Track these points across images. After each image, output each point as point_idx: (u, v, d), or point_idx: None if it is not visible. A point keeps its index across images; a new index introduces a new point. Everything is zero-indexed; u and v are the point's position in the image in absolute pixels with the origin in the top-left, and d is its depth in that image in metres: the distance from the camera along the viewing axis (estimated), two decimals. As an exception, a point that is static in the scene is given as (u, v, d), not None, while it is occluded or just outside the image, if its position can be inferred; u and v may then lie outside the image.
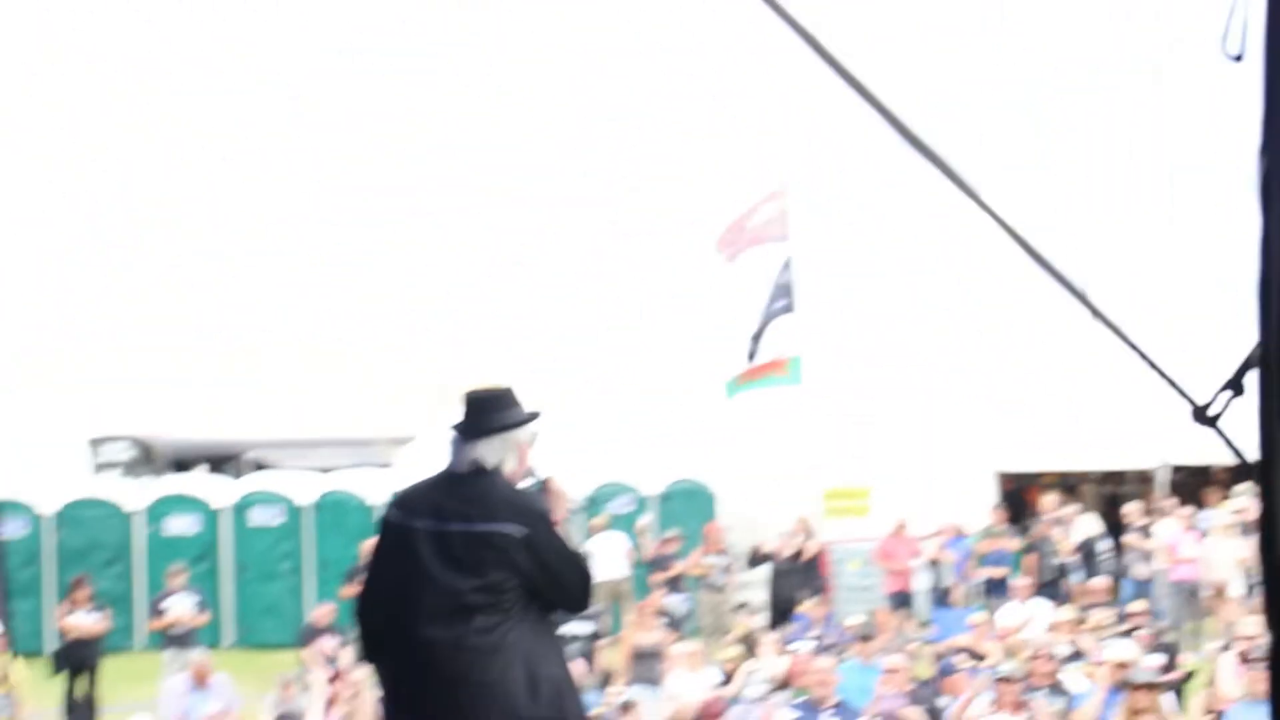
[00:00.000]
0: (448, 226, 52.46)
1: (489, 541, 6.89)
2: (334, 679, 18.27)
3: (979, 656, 19.55)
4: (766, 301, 28.19)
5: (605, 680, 21.57)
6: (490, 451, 7.12)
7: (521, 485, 7.24)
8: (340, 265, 44.16)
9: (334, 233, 51.06)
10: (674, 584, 27.21)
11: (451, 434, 7.25)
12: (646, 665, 21.25)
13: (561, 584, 6.99)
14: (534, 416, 7.26)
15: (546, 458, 7.71)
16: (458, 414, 7.31)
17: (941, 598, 27.84)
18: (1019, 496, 31.87)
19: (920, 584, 28.24)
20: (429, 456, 7.46)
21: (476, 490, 7.03)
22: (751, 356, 28.42)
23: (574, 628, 21.65)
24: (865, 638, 20.20)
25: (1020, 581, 25.14)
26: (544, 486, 7.30)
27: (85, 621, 23.39)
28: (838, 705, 16.36)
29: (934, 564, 28.21)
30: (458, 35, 53.90)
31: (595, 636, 22.14)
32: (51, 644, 28.22)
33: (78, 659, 22.99)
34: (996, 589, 27.14)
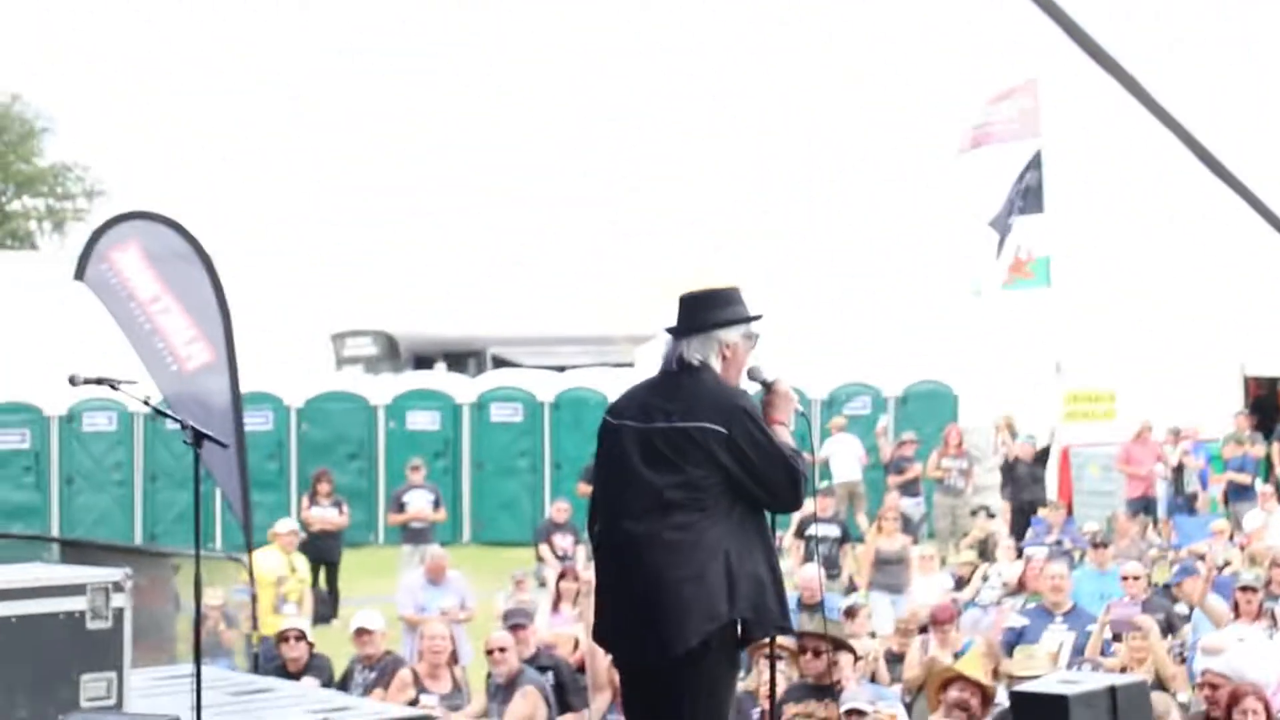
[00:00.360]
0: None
1: (690, 438, 6.90)
2: (567, 576, 18.25)
3: (1223, 565, 19.04)
4: (1012, 199, 27.57)
5: (850, 586, 21.39)
6: (696, 350, 7.12)
7: (743, 386, 7.22)
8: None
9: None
10: (910, 487, 26.88)
11: (668, 336, 7.30)
12: (888, 571, 21.02)
13: (766, 481, 6.94)
14: (748, 318, 7.18)
15: (781, 358, 7.58)
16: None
17: (1184, 504, 27.21)
18: (1267, 401, 31.05)
19: (1162, 490, 27.62)
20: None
21: (682, 388, 7.04)
22: (999, 254, 27.85)
23: (820, 529, 21.49)
24: (1103, 544, 19.77)
25: (1265, 488, 24.48)
26: (770, 387, 7.26)
27: (326, 515, 23.66)
28: (1070, 611, 16.01)
29: (1177, 470, 27.56)
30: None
31: (842, 539, 21.89)
32: (295, 537, 28.64)
33: (318, 552, 23.26)
34: (1240, 495, 26.47)
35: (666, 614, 6.82)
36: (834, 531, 22.02)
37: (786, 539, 21.89)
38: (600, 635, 7.33)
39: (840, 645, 12.86)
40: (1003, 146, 27.86)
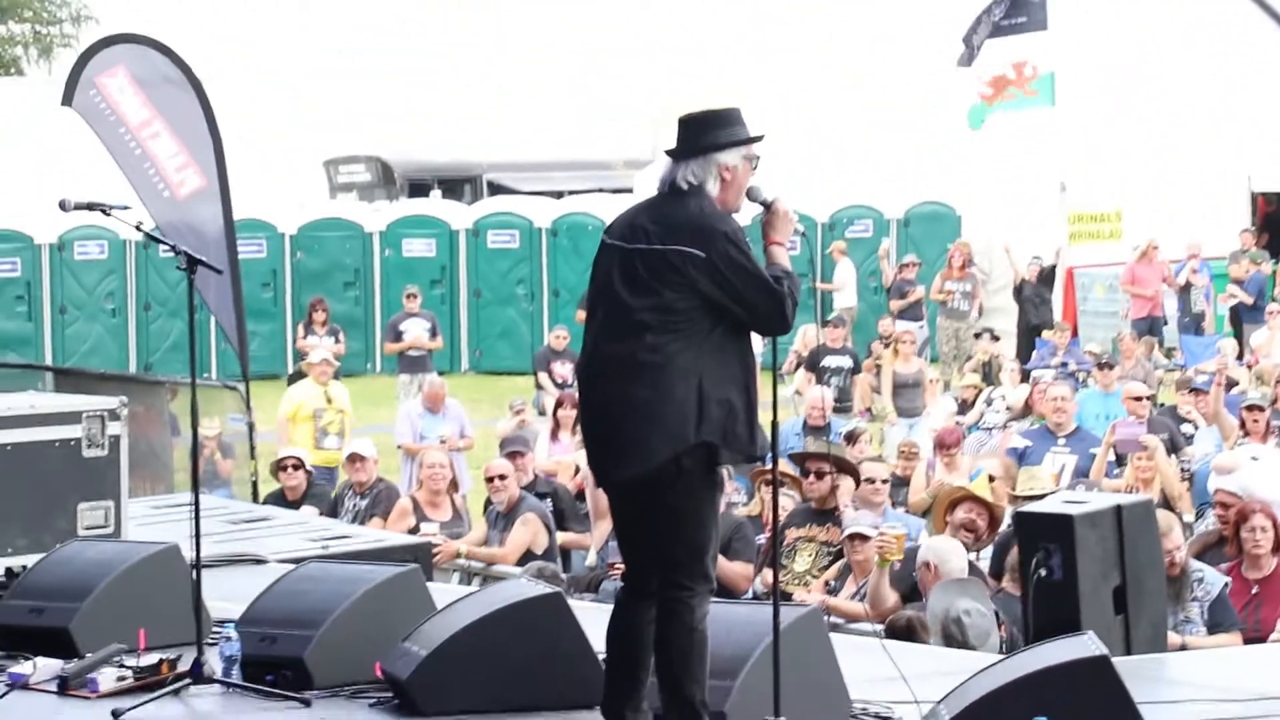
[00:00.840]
0: (443, 50, 51.83)
1: (667, 260, 6.87)
2: (565, 404, 18.15)
3: (1230, 384, 18.90)
4: (1001, 12, 26.99)
5: (870, 413, 21.31)
6: (693, 172, 7.04)
7: (739, 207, 7.12)
8: (333, 90, 43.96)
9: (327, 57, 50.74)
10: (913, 310, 26.68)
11: (666, 157, 7.23)
12: (905, 395, 21.01)
13: (748, 304, 6.91)
14: (748, 139, 7.11)
15: (783, 180, 7.48)
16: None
17: (1191, 324, 27.05)
18: (1275, 218, 30.83)
19: (1168, 309, 27.45)
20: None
21: (668, 211, 6.99)
22: (968, 63, 27.25)
23: (832, 360, 21.35)
24: (1108, 365, 19.63)
25: (1273, 306, 24.32)
26: (770, 207, 7.19)
27: (322, 344, 23.46)
28: (1073, 433, 15.92)
29: (1184, 289, 27.36)
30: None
31: (854, 370, 21.62)
32: (290, 366, 28.60)
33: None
34: (1249, 315, 26.31)
35: (631, 433, 6.85)
36: (846, 362, 21.71)
37: (798, 373, 21.74)
38: (590, 467, 7.37)
39: (844, 467, 12.74)
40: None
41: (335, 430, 19.13)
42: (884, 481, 12.98)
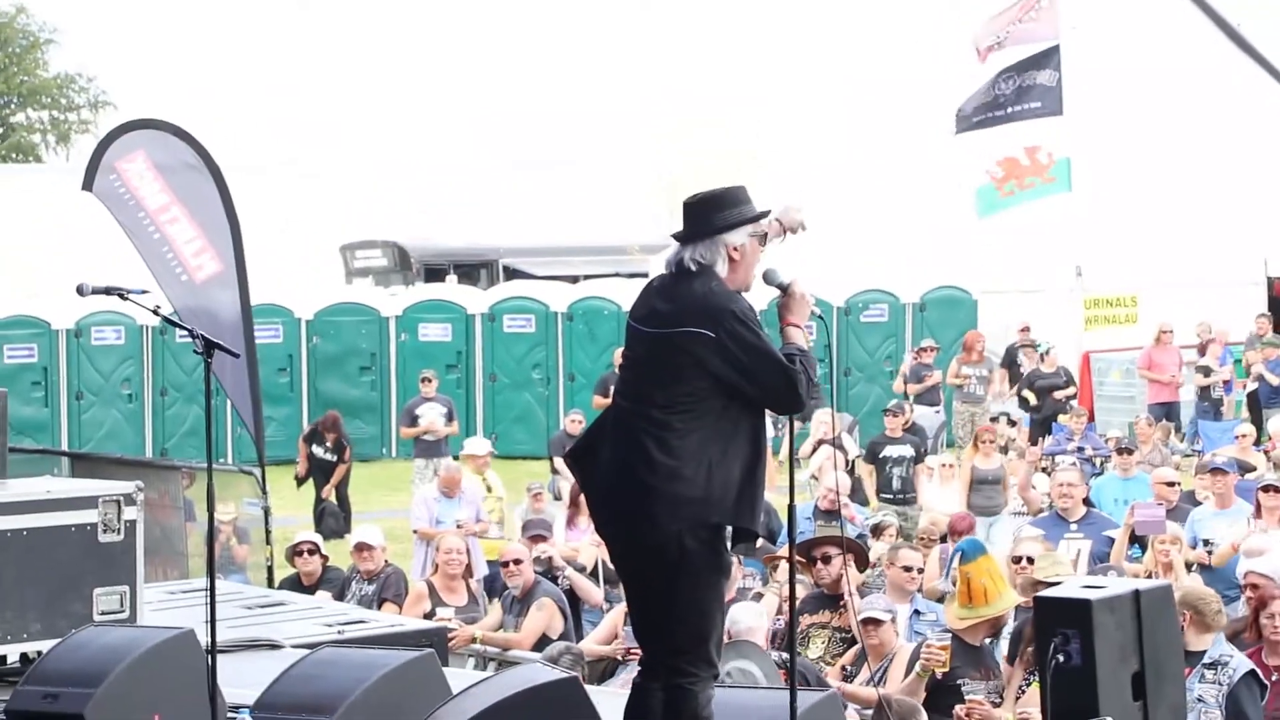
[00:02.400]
0: (458, 137, 52.13)
1: (676, 344, 6.92)
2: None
3: (1246, 469, 18.84)
4: (1008, 98, 27.04)
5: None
6: (700, 254, 7.09)
7: (750, 286, 7.18)
8: (350, 176, 44.19)
9: (344, 143, 51.01)
10: (929, 395, 26.62)
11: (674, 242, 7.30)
12: (983, 493, 19.67)
13: (759, 383, 6.93)
14: (753, 216, 7.15)
15: (799, 264, 7.49)
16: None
17: (1209, 410, 26.98)
18: (1290, 304, 30.80)
19: (1185, 395, 27.39)
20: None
21: (678, 292, 7.03)
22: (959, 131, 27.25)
23: (893, 450, 20.80)
24: (1126, 450, 19.56)
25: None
26: (787, 290, 7.24)
27: (325, 456, 23.25)
28: (1084, 518, 15.83)
29: (1204, 373, 27.30)
30: (473, 122, 53.58)
31: (917, 459, 20.91)
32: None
33: (327, 468, 23.07)
34: (1268, 400, 26.21)
35: (636, 506, 6.88)
36: (907, 451, 20.95)
37: (814, 456, 21.49)
38: (599, 530, 7.45)
39: (851, 547, 12.69)
40: (1018, 49, 27.46)
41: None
42: (919, 570, 12.88)
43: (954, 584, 12.08)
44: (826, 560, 12.33)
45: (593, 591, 14.88)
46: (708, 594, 6.94)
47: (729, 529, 6.98)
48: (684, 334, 6.88)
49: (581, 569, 15.59)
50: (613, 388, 7.38)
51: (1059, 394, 26.07)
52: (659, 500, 6.82)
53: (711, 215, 7.09)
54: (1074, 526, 15.75)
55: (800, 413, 7.17)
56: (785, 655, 10.32)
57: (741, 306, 6.96)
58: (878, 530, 15.97)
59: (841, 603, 12.08)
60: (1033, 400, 26.18)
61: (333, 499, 23.13)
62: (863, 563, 13.32)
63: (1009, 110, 26.88)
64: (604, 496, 7.12)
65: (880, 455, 20.79)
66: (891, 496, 20.37)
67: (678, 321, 6.91)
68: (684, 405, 6.87)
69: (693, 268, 7.03)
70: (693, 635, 6.90)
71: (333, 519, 22.59)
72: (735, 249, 7.06)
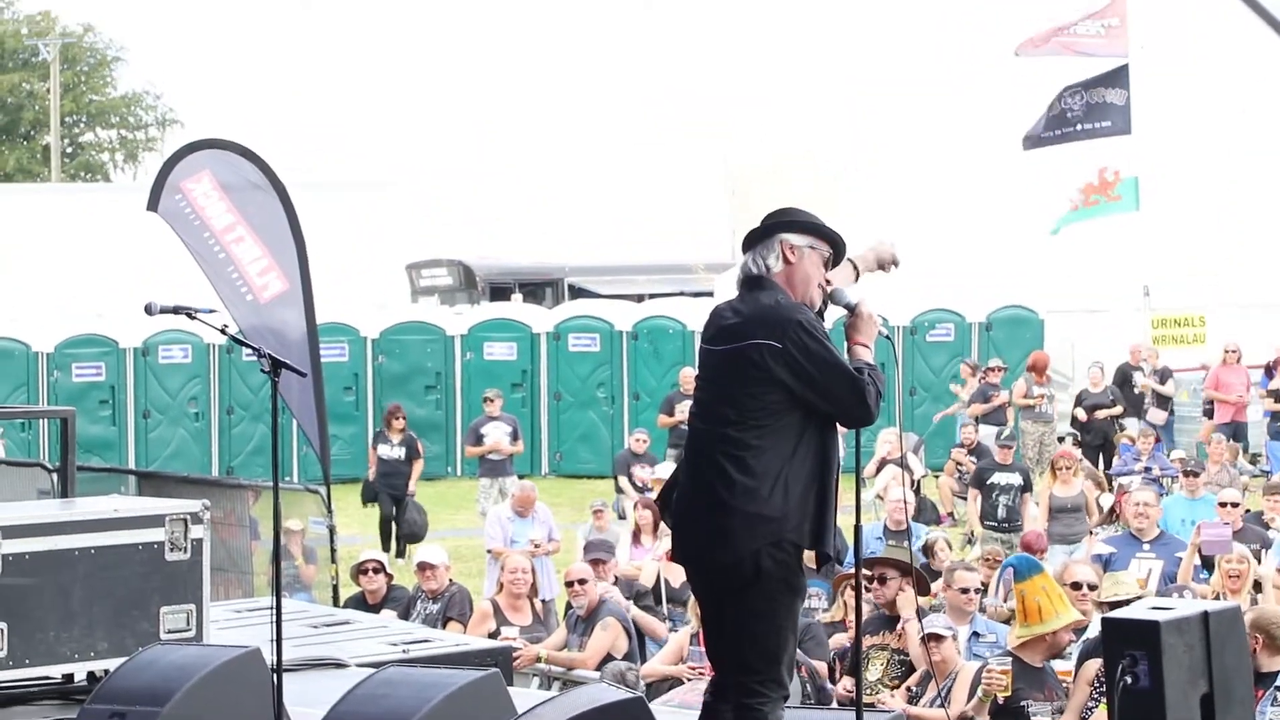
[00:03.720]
0: (524, 155, 52.17)
1: (747, 358, 6.92)
2: (646, 507, 18.09)
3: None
4: (1078, 115, 26.94)
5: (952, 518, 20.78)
6: (760, 255, 7.14)
7: (813, 302, 7.18)
8: (416, 195, 44.31)
9: (410, 162, 51.11)
10: (996, 415, 26.48)
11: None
12: (1064, 521, 19.21)
13: (828, 394, 6.92)
14: (816, 225, 7.20)
15: (864, 283, 7.49)
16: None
17: (1277, 431, 26.77)
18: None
19: (1253, 415, 27.19)
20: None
21: (745, 307, 7.05)
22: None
23: (1001, 478, 20.38)
24: (1193, 471, 19.43)
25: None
26: (854, 310, 7.26)
27: (394, 455, 23.26)
28: (1158, 538, 15.75)
29: (1271, 398, 27.10)
30: (539, 141, 53.73)
31: (1025, 488, 20.35)
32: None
33: (390, 488, 22.99)
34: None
35: (716, 524, 6.87)
36: (1015, 480, 20.47)
37: (880, 476, 21.34)
38: (674, 555, 7.40)
39: (907, 571, 12.66)
40: (1084, 60, 27.37)
41: None
42: (976, 591, 12.82)
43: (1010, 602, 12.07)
44: (883, 581, 12.31)
45: (657, 627, 14.83)
46: (781, 614, 6.93)
47: (807, 551, 6.98)
48: (751, 346, 6.89)
49: (644, 591, 15.58)
50: (688, 412, 7.34)
51: (1102, 413, 25.95)
52: (736, 519, 6.81)
53: (774, 217, 7.23)
54: (1147, 546, 15.68)
55: (869, 425, 7.15)
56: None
57: (808, 317, 6.97)
58: (929, 549, 15.92)
59: (900, 625, 12.05)
60: (1082, 417, 26.05)
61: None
62: (923, 586, 13.27)
63: (1079, 128, 26.82)
64: (681, 519, 7.11)
65: (988, 482, 20.45)
66: (996, 524, 20.03)
67: (746, 334, 6.93)
68: (756, 421, 6.87)
69: (754, 270, 7.07)
70: (764, 655, 6.89)
71: (417, 514, 22.49)
72: (791, 249, 7.08)
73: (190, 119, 62.48)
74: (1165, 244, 28.20)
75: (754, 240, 7.17)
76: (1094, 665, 10.35)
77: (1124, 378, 27.53)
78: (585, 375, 30.74)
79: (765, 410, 6.87)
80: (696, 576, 7.17)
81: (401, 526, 22.50)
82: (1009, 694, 10.57)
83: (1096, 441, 25.78)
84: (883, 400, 7.00)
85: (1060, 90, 26.87)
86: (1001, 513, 20.11)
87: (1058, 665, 11.36)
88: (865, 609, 12.41)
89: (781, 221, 7.18)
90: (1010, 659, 10.84)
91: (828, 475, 7.00)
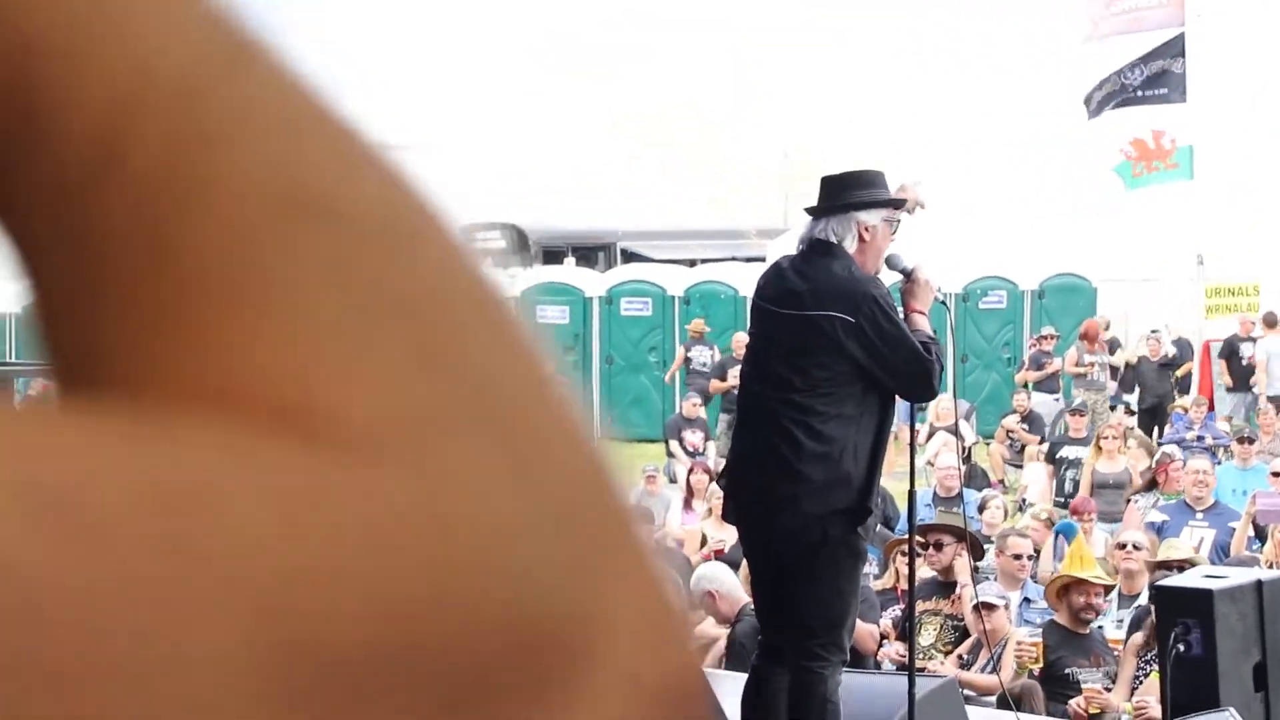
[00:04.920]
0: (577, 119, 52.18)
1: (818, 326, 6.86)
2: (697, 471, 18.12)
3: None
4: (1138, 82, 26.86)
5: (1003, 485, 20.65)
6: (832, 230, 7.05)
7: (881, 273, 7.19)
8: (470, 157, 44.48)
9: (464, 125, 51.20)
10: (1049, 383, 26.43)
11: (807, 217, 7.28)
12: (1105, 497, 18.30)
13: (895, 371, 6.92)
14: (890, 200, 7.02)
15: (918, 249, 7.50)
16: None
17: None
18: None
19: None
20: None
21: (815, 273, 6.98)
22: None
23: (1071, 451, 19.92)
24: (1247, 439, 19.35)
25: None
26: (910, 275, 7.26)
27: None
28: (1212, 507, 15.70)
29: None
30: (592, 106, 53.72)
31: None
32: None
33: None
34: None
35: (784, 490, 6.86)
36: (1085, 453, 19.65)
37: (1039, 469, 20.65)
38: (727, 516, 7.48)
39: (962, 537, 12.66)
40: (1143, 35, 27.29)
41: None
42: (1029, 557, 12.83)
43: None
44: (939, 547, 12.33)
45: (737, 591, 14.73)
46: (846, 579, 6.97)
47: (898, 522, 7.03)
48: (824, 317, 6.85)
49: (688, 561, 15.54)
50: (741, 371, 7.33)
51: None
52: (806, 485, 6.82)
53: (847, 192, 7.12)
54: (1200, 515, 15.62)
55: (931, 400, 7.20)
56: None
57: (882, 291, 6.96)
58: (982, 506, 15.89)
59: (956, 590, 12.07)
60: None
61: None
62: (977, 552, 13.28)
63: (1139, 94, 26.74)
64: (739, 484, 7.13)
65: (1058, 455, 20.02)
66: (1064, 500, 18.92)
67: (817, 303, 6.88)
68: (824, 389, 6.86)
69: (829, 239, 7.01)
70: (827, 620, 6.91)
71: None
72: (867, 229, 7.04)
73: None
74: (1219, 213, 28.07)
75: (826, 212, 7.11)
76: (1141, 636, 10.38)
77: (1231, 349, 27.19)
78: (637, 339, 30.77)
79: (832, 380, 6.85)
80: (755, 540, 7.17)
81: None
82: (1040, 665, 10.61)
83: (1150, 408, 25.69)
84: (943, 370, 7.03)
85: (1121, 66, 26.78)
86: (1069, 487, 19.35)
87: (1110, 635, 11.38)
88: (920, 574, 12.47)
89: (858, 201, 7.09)
90: (1041, 631, 10.93)
91: (883, 441, 7.04)
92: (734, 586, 11.77)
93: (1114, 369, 26.43)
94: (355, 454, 0.45)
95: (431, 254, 0.53)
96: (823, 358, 6.85)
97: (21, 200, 0.49)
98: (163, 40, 0.49)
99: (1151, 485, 18.09)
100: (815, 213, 7.15)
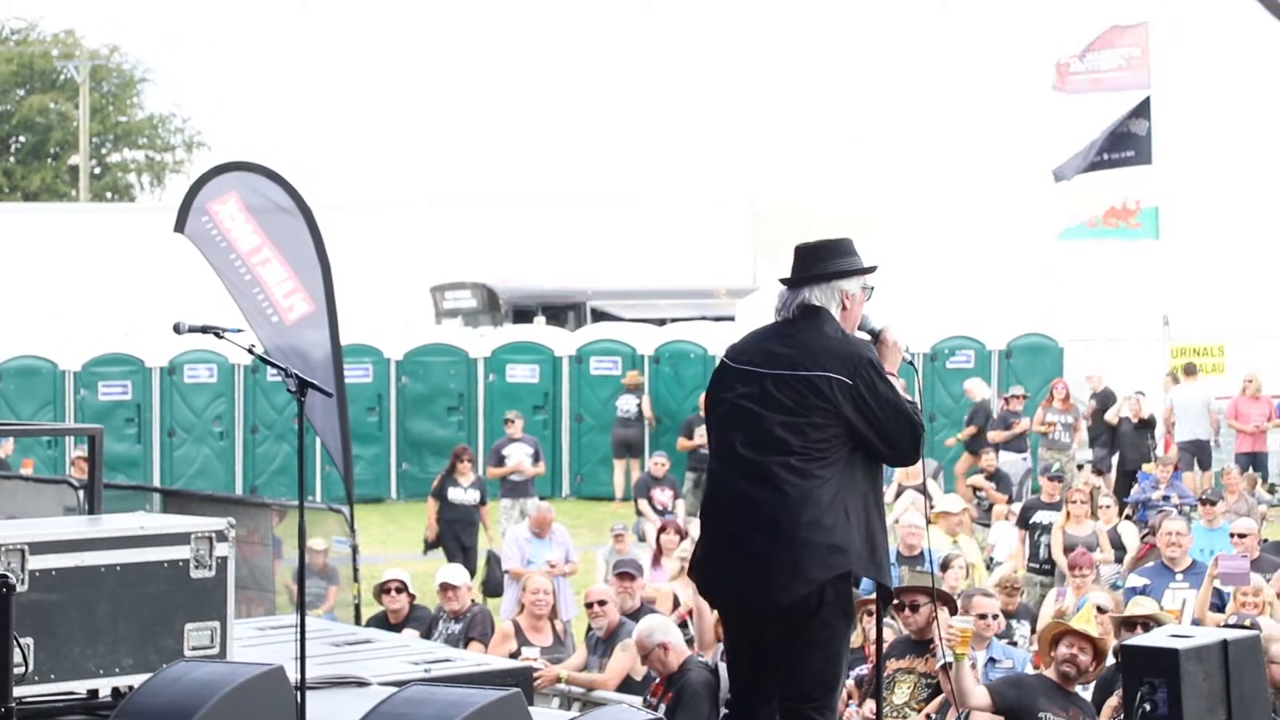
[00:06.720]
0: (547, 179, 52.48)
1: (814, 386, 6.89)
2: (667, 530, 18.15)
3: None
4: (1098, 143, 27.04)
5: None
6: (816, 297, 7.10)
7: (854, 335, 7.21)
8: (440, 217, 44.65)
9: (434, 185, 51.48)
10: (1017, 442, 26.53)
11: (780, 286, 7.30)
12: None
13: (887, 435, 6.95)
14: (864, 269, 7.13)
15: (885, 309, 7.54)
16: (789, 266, 7.34)
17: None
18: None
19: (1273, 444, 27.19)
20: (770, 309, 7.32)
21: (804, 336, 7.02)
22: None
23: (1045, 516, 19.55)
24: (1211, 500, 19.43)
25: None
26: (878, 336, 7.28)
27: (466, 499, 22.15)
28: (1190, 568, 15.74)
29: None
30: (562, 166, 54.25)
31: None
32: (394, 492, 28.85)
33: (462, 536, 21.93)
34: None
35: (784, 559, 6.82)
36: (1059, 519, 19.31)
37: (1007, 528, 20.44)
38: (705, 585, 7.32)
39: (943, 598, 12.67)
40: (1108, 96, 27.48)
41: None
42: (994, 617, 12.88)
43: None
44: (915, 609, 12.32)
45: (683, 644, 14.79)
46: (839, 643, 6.98)
47: (863, 581, 7.00)
48: (820, 377, 6.89)
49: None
50: (718, 437, 7.17)
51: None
52: (806, 551, 6.79)
53: (828, 261, 7.17)
54: (1180, 576, 15.61)
55: (913, 465, 7.21)
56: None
57: (875, 355, 7.00)
58: (945, 564, 15.95)
59: (930, 648, 12.08)
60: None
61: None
62: (953, 607, 13.30)
63: (1104, 157, 26.90)
64: (720, 552, 7.04)
65: (1031, 521, 19.59)
66: (1038, 566, 19.05)
67: (811, 364, 6.92)
68: (818, 451, 6.86)
69: (816, 304, 7.05)
70: (823, 685, 6.91)
71: (498, 568, 19.88)
72: (849, 296, 7.10)
73: (217, 141, 62.72)
74: (1185, 274, 28.21)
75: (806, 282, 7.13)
76: (1116, 699, 10.41)
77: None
78: (606, 398, 30.82)
79: (826, 442, 6.87)
80: (747, 611, 7.06)
81: (488, 586, 19.98)
82: (966, 651, 10.62)
83: (1131, 471, 25.73)
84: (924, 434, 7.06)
85: (1088, 130, 26.99)
86: (1043, 553, 19.11)
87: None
88: (893, 634, 12.48)
89: (839, 271, 7.14)
90: (970, 620, 11.04)
91: (879, 506, 7.04)
92: (680, 638, 11.99)
93: (1072, 428, 26.56)
94: None
95: None
96: (817, 418, 6.86)
97: None
98: None
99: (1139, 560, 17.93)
100: (795, 282, 7.19)
